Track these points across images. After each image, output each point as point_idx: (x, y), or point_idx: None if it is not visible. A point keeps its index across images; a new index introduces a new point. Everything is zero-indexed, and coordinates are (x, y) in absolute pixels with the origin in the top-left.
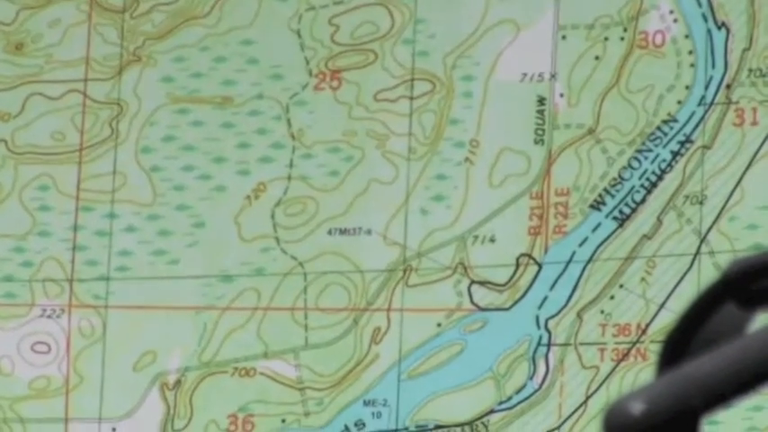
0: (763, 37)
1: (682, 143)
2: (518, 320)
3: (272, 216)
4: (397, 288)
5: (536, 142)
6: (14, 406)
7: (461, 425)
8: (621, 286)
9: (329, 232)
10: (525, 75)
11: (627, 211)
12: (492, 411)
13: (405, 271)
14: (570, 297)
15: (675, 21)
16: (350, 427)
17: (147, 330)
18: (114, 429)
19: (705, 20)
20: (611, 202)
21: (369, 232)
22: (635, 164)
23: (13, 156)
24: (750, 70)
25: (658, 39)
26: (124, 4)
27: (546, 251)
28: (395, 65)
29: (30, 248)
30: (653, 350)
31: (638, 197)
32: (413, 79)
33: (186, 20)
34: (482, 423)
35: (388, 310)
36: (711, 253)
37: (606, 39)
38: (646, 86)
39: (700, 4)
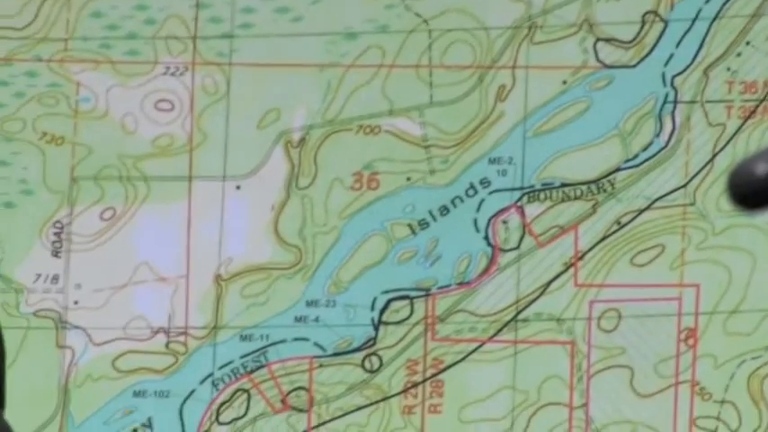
0: None
1: None
2: (644, 78)
3: None
4: (522, 45)
5: None
6: (138, 164)
7: (587, 183)
8: (748, 43)
9: None
10: None
11: None
12: (618, 169)
13: (530, 28)
14: (696, 54)
15: None
16: (475, 184)
17: (271, 88)
18: (238, 187)
19: None
20: None
21: None
22: None
23: None
24: None
25: None
26: None
27: (672, 8)
28: None
29: (153, 6)
30: None
31: None
32: None
33: None
34: (608, 181)
35: (513, 67)
36: None
37: None
38: None
39: None
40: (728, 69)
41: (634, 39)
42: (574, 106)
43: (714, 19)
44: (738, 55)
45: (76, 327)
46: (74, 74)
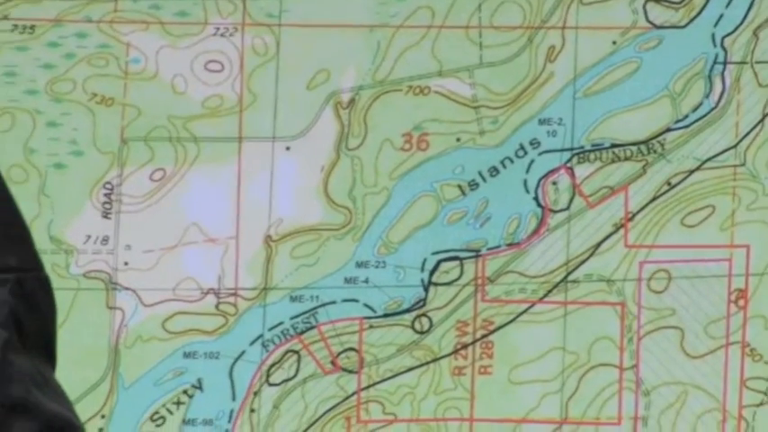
0: None
1: None
2: (694, 38)
3: None
4: (572, 6)
5: None
6: (188, 125)
7: (637, 143)
8: None
9: None
10: None
11: None
12: (668, 130)
13: None
14: (746, 15)
15: None
16: (525, 145)
17: (321, 49)
18: (288, 148)
19: None
20: None
21: None
22: None
23: None
24: None
25: None
26: None
27: None
28: None
29: None
30: None
31: None
32: None
33: None
34: (658, 142)
35: (563, 27)
36: None
37: None
38: None
39: None
40: None
41: None
42: (623, 67)
43: None
44: None
45: (126, 288)
46: (124, 35)
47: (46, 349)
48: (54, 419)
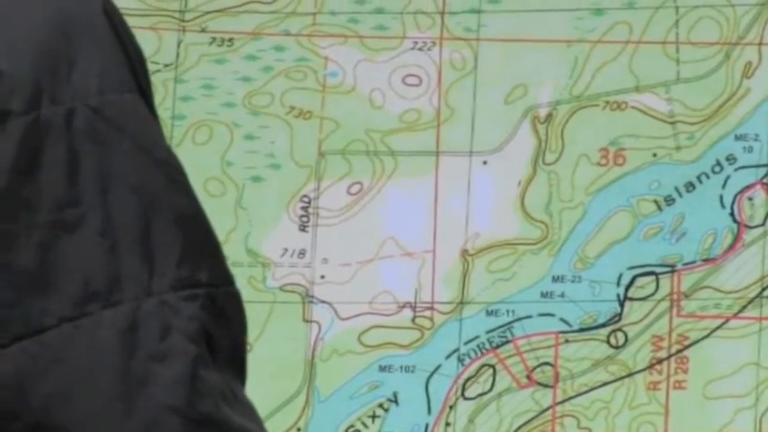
0: None
1: None
2: None
3: None
4: None
5: None
6: (385, 138)
7: None
8: None
9: None
10: None
11: None
12: None
13: None
14: None
15: None
16: (721, 161)
17: (519, 63)
18: (485, 162)
19: None
20: None
21: None
22: None
23: None
24: None
25: None
26: None
27: None
28: None
29: None
30: None
31: None
32: None
33: None
34: None
35: (760, 44)
36: None
37: None
38: None
39: None
40: None
41: None
42: None
43: None
44: None
45: (323, 301)
46: (322, 48)
47: (236, 365)
48: None
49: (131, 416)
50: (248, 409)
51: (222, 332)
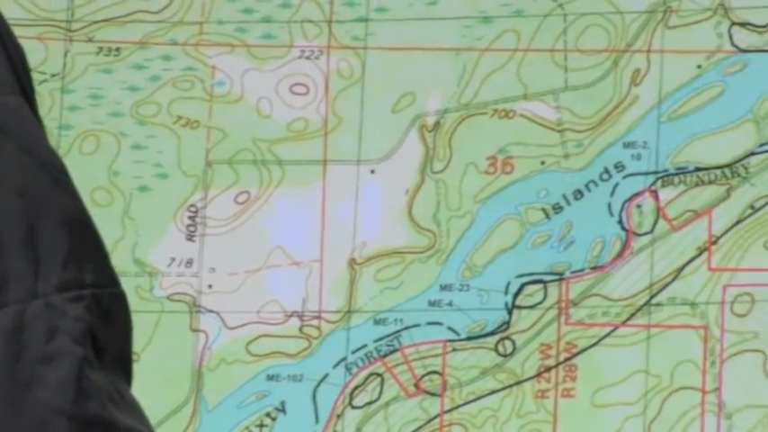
0: None
1: None
2: None
3: None
4: (657, 29)
5: None
6: (273, 147)
7: (721, 167)
8: None
9: None
10: None
11: None
12: (752, 154)
13: (665, 12)
14: None
15: None
16: (609, 168)
17: (407, 72)
18: (373, 171)
19: None
20: None
21: None
22: None
23: None
24: None
25: None
26: None
27: None
28: None
29: None
30: None
31: None
32: None
33: None
34: (742, 165)
35: (648, 51)
36: None
37: None
38: None
39: None
40: None
41: None
42: (708, 91)
43: None
44: None
45: (210, 311)
46: (209, 58)
47: (122, 366)
48: None
49: (18, 418)
50: (135, 409)
51: (108, 333)
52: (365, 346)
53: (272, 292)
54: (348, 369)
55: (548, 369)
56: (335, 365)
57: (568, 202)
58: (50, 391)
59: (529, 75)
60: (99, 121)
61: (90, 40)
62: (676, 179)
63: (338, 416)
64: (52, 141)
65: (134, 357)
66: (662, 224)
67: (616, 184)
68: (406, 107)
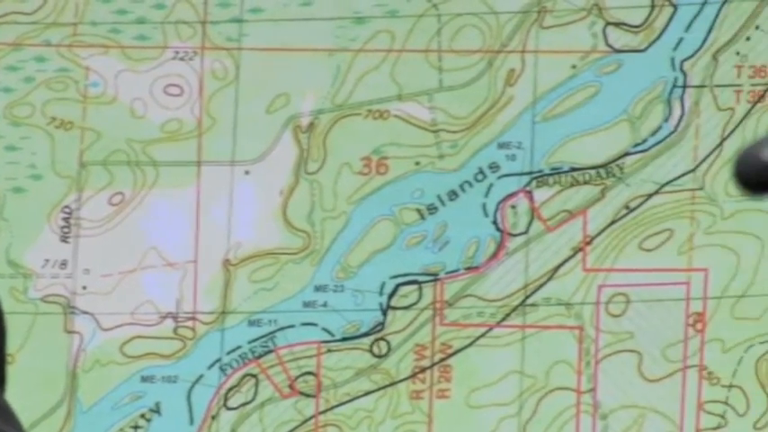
0: None
1: None
2: (653, 62)
3: None
4: (532, 30)
5: None
6: (147, 149)
7: (596, 167)
8: (758, 28)
9: None
10: None
11: None
12: (627, 154)
13: (539, 12)
14: (706, 38)
15: None
16: (484, 169)
17: (280, 73)
18: (247, 172)
19: None
20: None
21: None
22: None
23: None
24: None
25: None
26: None
27: None
28: None
29: None
30: None
31: None
32: None
33: None
34: (617, 166)
35: (523, 51)
36: None
37: None
38: None
39: None
40: (738, 54)
41: (643, 23)
42: (583, 91)
43: (723, 3)
44: (748, 39)
45: (85, 312)
46: (83, 59)
47: None
48: None
49: None
50: (9, 414)
51: None
52: (240, 347)
53: (147, 294)
54: (223, 370)
55: (423, 370)
56: (210, 366)
57: (443, 203)
58: None
59: (403, 75)
60: None
61: None
62: (551, 179)
63: (213, 417)
64: None
65: (8, 359)
66: (537, 224)
67: (491, 185)
68: (280, 108)
